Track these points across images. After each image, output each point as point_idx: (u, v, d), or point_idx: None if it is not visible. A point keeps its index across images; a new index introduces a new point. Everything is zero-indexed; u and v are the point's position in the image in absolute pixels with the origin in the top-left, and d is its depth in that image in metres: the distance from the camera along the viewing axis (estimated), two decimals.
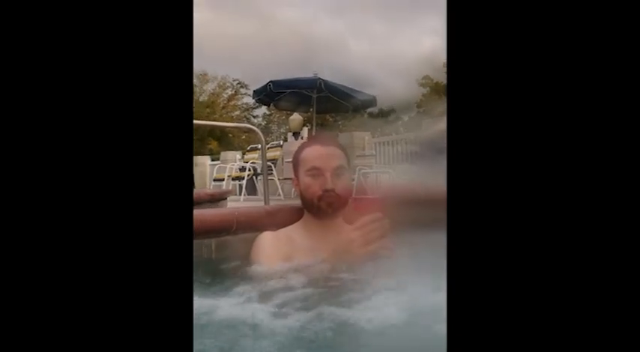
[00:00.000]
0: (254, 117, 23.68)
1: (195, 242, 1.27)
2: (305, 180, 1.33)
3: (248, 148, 7.85)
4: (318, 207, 1.32)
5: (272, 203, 3.14)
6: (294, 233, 1.36)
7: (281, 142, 6.93)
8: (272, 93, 7.17)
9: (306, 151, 1.37)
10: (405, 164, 6.50)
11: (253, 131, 3.86)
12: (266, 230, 1.35)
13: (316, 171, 1.31)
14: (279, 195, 5.78)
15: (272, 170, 5.91)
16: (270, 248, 1.29)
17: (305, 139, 6.54)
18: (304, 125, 8.18)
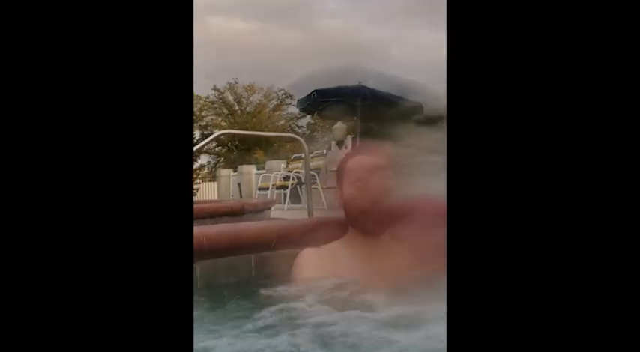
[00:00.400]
0: (298, 126, 23.86)
1: (233, 258, 1.23)
2: (349, 191, 1.24)
3: (292, 157, 7.87)
4: (363, 222, 1.23)
5: (315, 212, 3.09)
6: (338, 251, 1.27)
7: (324, 151, 6.89)
8: (316, 103, 7.16)
9: (353, 161, 1.28)
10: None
11: (297, 140, 3.83)
12: (308, 246, 1.28)
13: (362, 183, 1.22)
14: (322, 204, 5.73)
15: (315, 179, 5.87)
16: (313, 268, 1.21)
17: (349, 148, 6.46)
18: (348, 134, 8.10)
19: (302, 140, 3.76)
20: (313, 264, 1.22)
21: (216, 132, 7.78)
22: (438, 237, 1.09)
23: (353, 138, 8.02)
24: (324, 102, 7.20)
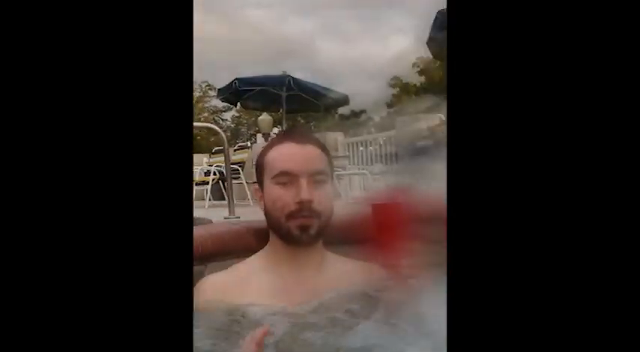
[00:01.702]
0: (223, 120, 23.20)
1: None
2: (272, 190, 0.94)
3: (213, 151, 7.45)
4: (287, 229, 0.93)
5: (239, 210, 2.81)
6: (254, 271, 0.98)
7: (249, 144, 6.56)
8: (238, 92, 6.81)
9: (275, 151, 0.98)
10: (379, 164, 6.27)
11: (217, 132, 3.53)
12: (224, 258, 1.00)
13: (287, 178, 0.93)
14: (247, 200, 5.42)
15: (239, 173, 5.54)
16: (216, 300, 0.91)
17: None
18: (274, 126, 7.83)
19: (220, 131, 3.48)
20: (217, 296, 0.92)
21: None
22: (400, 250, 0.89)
23: (280, 130, 7.76)
24: (246, 91, 6.86)
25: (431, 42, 5.09)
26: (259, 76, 6.97)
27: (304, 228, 0.92)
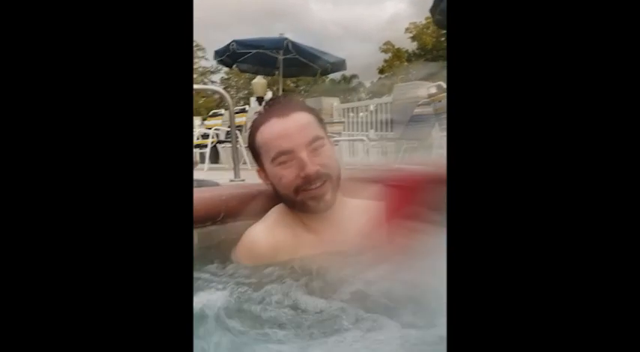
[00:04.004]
0: (212, 82, 22.73)
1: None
2: (275, 171, 0.93)
3: (210, 114, 7.37)
4: (302, 202, 0.93)
5: (241, 173, 2.83)
6: (293, 223, 0.99)
7: (246, 107, 6.50)
8: (235, 54, 6.70)
9: (264, 131, 0.94)
10: (372, 130, 6.28)
11: (219, 94, 3.51)
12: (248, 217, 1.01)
13: (286, 156, 0.91)
14: (244, 163, 5.45)
15: (238, 137, 5.53)
16: (270, 248, 0.95)
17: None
18: (268, 89, 7.75)
19: (226, 94, 3.46)
20: (270, 244, 0.95)
21: None
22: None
23: (274, 93, 7.69)
24: (243, 53, 6.74)
25: (435, 9, 5.04)
26: (256, 38, 6.83)
27: (318, 197, 0.92)
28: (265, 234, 0.97)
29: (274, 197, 1.01)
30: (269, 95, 7.27)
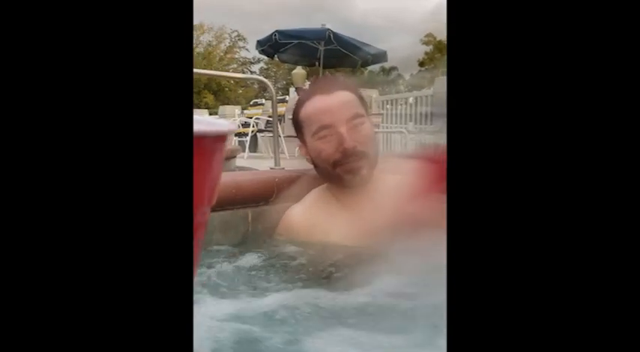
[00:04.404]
0: (251, 72, 22.99)
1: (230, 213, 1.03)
2: (315, 145, 0.98)
3: (251, 103, 7.51)
4: (338, 176, 0.97)
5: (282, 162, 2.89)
6: (329, 204, 1.03)
7: (286, 98, 6.58)
8: (277, 44, 6.77)
9: (308, 107, 1.00)
10: (412, 123, 6.23)
11: (263, 84, 3.58)
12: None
13: (327, 131, 0.96)
14: (282, 152, 5.54)
15: (278, 126, 5.62)
16: (311, 226, 0.99)
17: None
18: (307, 79, 7.80)
19: (269, 83, 3.52)
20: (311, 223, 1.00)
21: None
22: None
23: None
24: (285, 44, 6.81)
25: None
26: (299, 28, 6.89)
27: (354, 171, 0.96)
28: (302, 214, 1.03)
29: (314, 181, 1.05)
30: (307, 86, 7.33)
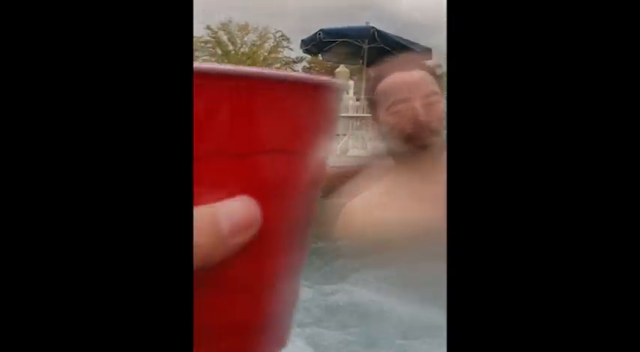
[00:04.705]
0: (294, 71, 23.27)
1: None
2: (388, 119, 0.98)
3: None
4: (409, 151, 0.97)
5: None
6: (391, 196, 1.02)
7: None
8: (321, 43, 6.83)
9: (385, 82, 1.00)
10: None
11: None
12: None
13: (402, 105, 0.96)
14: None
15: None
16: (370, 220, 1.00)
17: (350, 94, 6.21)
18: (350, 79, 7.81)
19: (342, 83, 3.54)
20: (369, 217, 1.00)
21: None
22: None
23: (356, 83, 7.72)
24: (329, 42, 6.86)
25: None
26: (343, 27, 6.92)
27: (427, 148, 0.96)
28: (362, 210, 1.04)
29: (376, 177, 1.06)
30: (351, 85, 7.33)
